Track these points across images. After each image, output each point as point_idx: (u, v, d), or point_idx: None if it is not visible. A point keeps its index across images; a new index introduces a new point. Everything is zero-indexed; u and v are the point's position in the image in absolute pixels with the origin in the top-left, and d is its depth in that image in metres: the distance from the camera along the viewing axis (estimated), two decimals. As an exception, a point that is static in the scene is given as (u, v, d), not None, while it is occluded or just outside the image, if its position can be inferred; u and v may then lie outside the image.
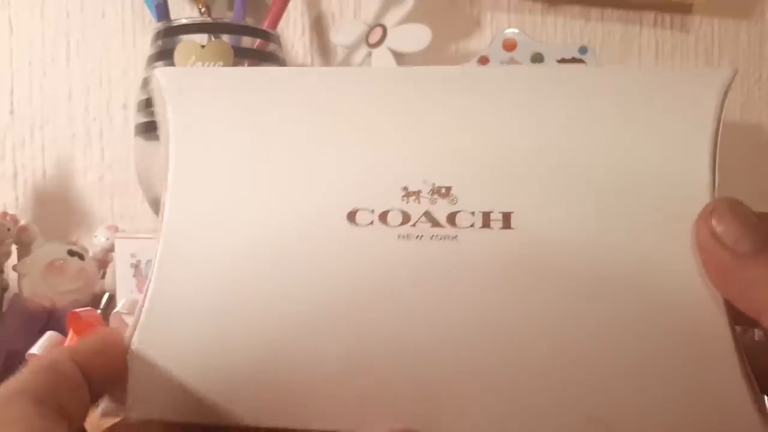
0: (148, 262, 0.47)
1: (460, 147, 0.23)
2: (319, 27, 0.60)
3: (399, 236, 0.22)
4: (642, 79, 0.23)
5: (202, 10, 0.52)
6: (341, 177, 0.23)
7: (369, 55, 0.54)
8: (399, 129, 0.23)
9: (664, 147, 0.22)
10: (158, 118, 0.24)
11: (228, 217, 0.22)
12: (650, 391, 0.20)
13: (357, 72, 0.27)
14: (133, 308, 0.40)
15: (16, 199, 0.60)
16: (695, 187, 0.21)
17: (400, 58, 0.53)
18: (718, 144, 0.22)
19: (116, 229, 0.55)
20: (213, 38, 0.48)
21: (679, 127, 0.22)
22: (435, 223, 0.22)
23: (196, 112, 0.24)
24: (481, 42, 0.59)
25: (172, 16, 0.50)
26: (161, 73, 0.24)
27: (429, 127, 0.23)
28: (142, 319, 0.22)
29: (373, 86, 0.24)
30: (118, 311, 0.39)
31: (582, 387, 0.20)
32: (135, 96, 0.51)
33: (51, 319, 0.48)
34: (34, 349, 0.39)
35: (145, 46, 0.52)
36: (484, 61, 0.53)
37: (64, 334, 0.39)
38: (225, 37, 0.48)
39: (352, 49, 0.56)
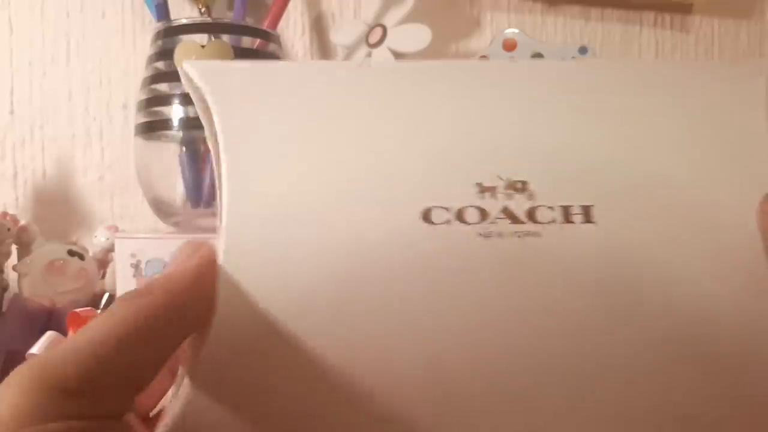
0: (148, 262, 0.47)
1: (530, 140, 0.22)
2: (319, 27, 0.60)
3: (479, 234, 0.20)
4: (695, 73, 0.23)
5: (202, 10, 0.52)
6: (411, 174, 0.21)
7: (369, 55, 0.54)
8: (466, 123, 0.22)
9: (726, 144, 0.22)
10: (200, 114, 0.23)
11: (295, 221, 0.21)
12: (733, 391, 0.20)
13: (415, 67, 0.25)
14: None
15: (16, 199, 0.60)
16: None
17: (400, 58, 0.53)
18: None
19: (116, 229, 0.55)
20: (213, 38, 0.48)
21: (737, 123, 0.22)
22: (515, 220, 0.21)
23: (246, 111, 0.22)
24: (481, 42, 0.59)
25: (172, 16, 0.50)
26: (192, 67, 0.23)
27: (497, 120, 0.22)
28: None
29: (433, 80, 0.23)
30: (118, 311, 0.39)
31: (678, 385, 0.20)
32: (135, 96, 0.51)
33: (51, 319, 0.48)
34: (34, 349, 0.39)
35: (145, 46, 0.52)
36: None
37: (64, 334, 0.39)
38: (225, 37, 0.48)
39: (352, 49, 0.56)
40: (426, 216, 0.21)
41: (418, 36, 0.52)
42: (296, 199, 0.21)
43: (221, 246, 0.21)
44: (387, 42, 0.53)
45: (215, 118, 0.22)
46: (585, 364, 0.20)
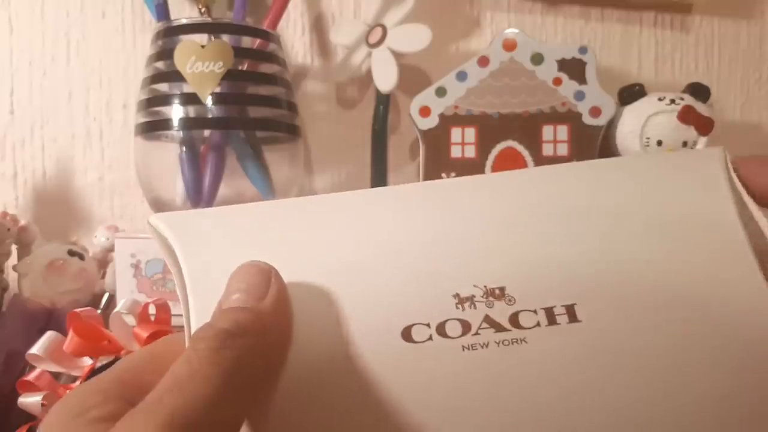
0: (148, 262, 0.47)
1: (502, 247, 0.22)
2: (319, 27, 0.60)
3: (463, 347, 0.20)
4: (654, 164, 0.24)
5: (202, 10, 0.52)
6: (387, 294, 0.21)
7: (369, 55, 0.54)
8: (436, 237, 0.22)
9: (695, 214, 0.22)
10: (165, 259, 0.23)
11: None
12: None
13: (380, 191, 0.25)
14: (133, 308, 0.40)
15: (16, 199, 0.60)
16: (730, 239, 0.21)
17: (400, 58, 0.53)
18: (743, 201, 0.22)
19: (116, 229, 0.55)
20: (213, 38, 0.48)
21: (698, 194, 0.22)
22: (499, 328, 0.20)
23: (212, 255, 0.22)
24: (481, 42, 0.59)
25: (172, 16, 0.50)
26: (158, 220, 0.23)
27: (467, 232, 0.22)
28: None
29: (400, 199, 0.23)
30: (118, 311, 0.39)
31: None
32: (135, 96, 0.51)
33: (51, 319, 0.48)
34: (34, 349, 0.39)
35: (145, 46, 0.52)
36: (483, 61, 0.53)
37: (64, 334, 0.39)
38: (225, 37, 0.48)
39: (352, 49, 0.56)
40: (406, 335, 0.20)
41: (418, 36, 0.52)
42: None
43: None
44: (387, 42, 0.53)
45: (181, 264, 0.22)
46: None
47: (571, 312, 0.20)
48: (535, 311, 0.20)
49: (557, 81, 0.53)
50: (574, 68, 0.53)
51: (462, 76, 0.53)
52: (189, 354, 0.18)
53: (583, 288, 0.21)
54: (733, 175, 0.23)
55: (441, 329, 0.20)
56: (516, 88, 0.53)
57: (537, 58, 0.53)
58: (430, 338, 0.20)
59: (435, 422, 0.19)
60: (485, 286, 0.21)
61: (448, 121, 0.53)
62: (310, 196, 0.25)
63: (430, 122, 0.53)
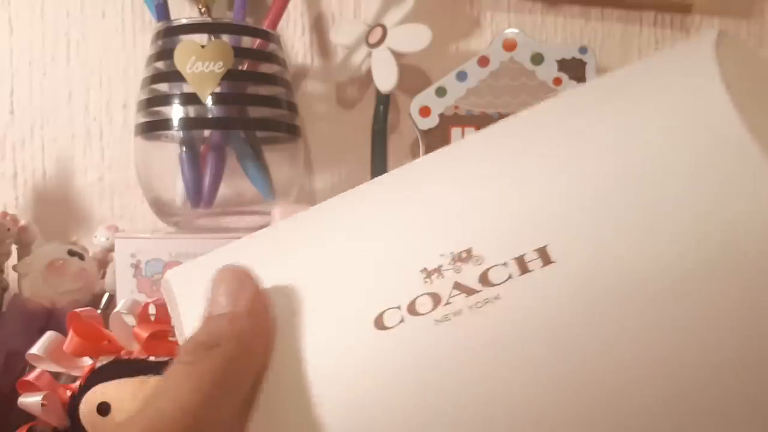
0: (148, 262, 0.47)
1: (463, 206, 0.20)
2: (319, 27, 0.60)
3: (436, 321, 0.19)
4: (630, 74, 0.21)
5: (202, 10, 0.52)
6: (356, 286, 0.20)
7: (369, 55, 0.54)
8: (398, 219, 0.21)
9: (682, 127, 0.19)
10: (171, 313, 0.23)
11: None
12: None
13: (349, 193, 0.24)
14: (133, 308, 0.40)
15: (16, 199, 0.60)
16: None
17: (400, 58, 0.53)
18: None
19: (116, 229, 0.55)
20: (213, 38, 0.48)
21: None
22: (469, 291, 0.19)
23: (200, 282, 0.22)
24: (481, 42, 0.59)
25: (172, 16, 0.50)
26: (169, 274, 0.23)
27: (427, 203, 0.21)
28: None
29: (363, 195, 0.23)
30: (118, 311, 0.39)
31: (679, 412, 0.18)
32: (135, 96, 0.51)
33: (51, 319, 0.48)
34: (34, 349, 0.39)
35: (145, 46, 0.52)
36: (483, 61, 0.53)
37: (64, 334, 0.39)
38: (225, 37, 0.48)
39: (352, 49, 0.56)
40: (379, 323, 0.19)
41: (418, 36, 0.52)
42: None
43: None
44: (387, 42, 0.53)
45: (179, 310, 0.22)
46: (593, 415, 0.18)
47: (543, 254, 0.18)
48: (505, 264, 0.19)
49: (557, 81, 0.53)
50: (574, 68, 0.53)
51: (462, 76, 0.53)
52: (171, 367, 0.18)
53: (553, 226, 0.19)
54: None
55: (411, 308, 0.19)
56: (516, 88, 0.53)
57: (537, 58, 0.53)
58: (402, 320, 0.19)
59: (419, 406, 0.18)
60: (451, 253, 0.19)
61: (448, 121, 0.53)
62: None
63: (430, 122, 0.53)
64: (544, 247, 0.18)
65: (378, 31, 0.54)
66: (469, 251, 0.19)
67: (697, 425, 0.18)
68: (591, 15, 0.60)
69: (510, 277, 0.18)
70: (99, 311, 0.41)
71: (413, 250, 0.20)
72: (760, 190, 0.17)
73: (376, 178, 0.25)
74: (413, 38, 0.52)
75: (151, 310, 0.40)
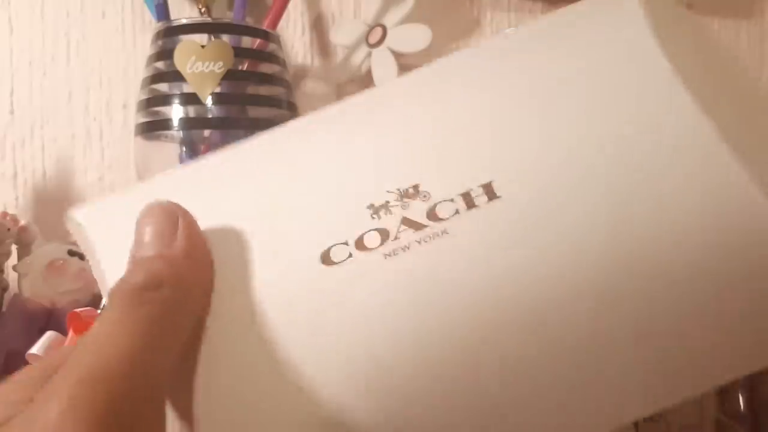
0: (148, 262, 0.47)
1: (409, 144, 0.21)
2: (319, 27, 0.60)
3: (385, 256, 0.19)
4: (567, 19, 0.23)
5: (202, 10, 0.52)
6: (302, 222, 0.20)
7: (369, 55, 0.54)
8: (343, 157, 0.21)
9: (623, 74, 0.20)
10: (85, 253, 0.22)
11: None
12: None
13: (291, 127, 0.24)
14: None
15: (16, 199, 0.60)
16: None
17: (400, 58, 0.53)
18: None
19: (116, 229, 0.55)
20: (213, 38, 0.48)
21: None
22: (417, 227, 0.19)
23: (123, 237, 0.21)
24: (480, 42, 0.59)
25: (172, 16, 0.50)
26: (78, 215, 0.23)
27: (372, 140, 0.21)
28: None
29: (308, 132, 0.23)
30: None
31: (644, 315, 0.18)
32: (135, 96, 0.51)
33: (51, 319, 0.48)
34: (34, 349, 0.39)
35: (145, 46, 0.52)
36: (484, 61, 0.53)
37: (64, 334, 0.39)
38: (225, 37, 0.48)
39: (352, 49, 0.56)
40: (326, 258, 0.19)
41: (418, 36, 0.52)
42: None
43: None
44: (387, 42, 0.53)
45: (97, 254, 0.22)
46: (553, 353, 0.18)
47: (489, 190, 0.19)
48: (452, 199, 0.19)
49: (557, 81, 0.53)
50: (574, 68, 0.52)
51: (462, 76, 0.53)
52: (105, 312, 0.17)
53: (498, 163, 0.19)
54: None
55: (360, 244, 0.19)
56: (516, 88, 0.53)
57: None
58: (350, 255, 0.19)
59: (370, 340, 0.18)
60: (398, 189, 0.20)
61: (448, 121, 0.53)
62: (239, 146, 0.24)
63: (430, 122, 0.53)
64: (490, 182, 0.19)
65: (378, 31, 0.54)
66: (416, 187, 0.20)
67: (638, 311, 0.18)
68: (591, 15, 0.60)
69: (457, 212, 0.19)
70: (99, 311, 0.41)
71: (360, 185, 0.20)
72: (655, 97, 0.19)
73: (318, 111, 0.24)
74: (413, 38, 0.52)
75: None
